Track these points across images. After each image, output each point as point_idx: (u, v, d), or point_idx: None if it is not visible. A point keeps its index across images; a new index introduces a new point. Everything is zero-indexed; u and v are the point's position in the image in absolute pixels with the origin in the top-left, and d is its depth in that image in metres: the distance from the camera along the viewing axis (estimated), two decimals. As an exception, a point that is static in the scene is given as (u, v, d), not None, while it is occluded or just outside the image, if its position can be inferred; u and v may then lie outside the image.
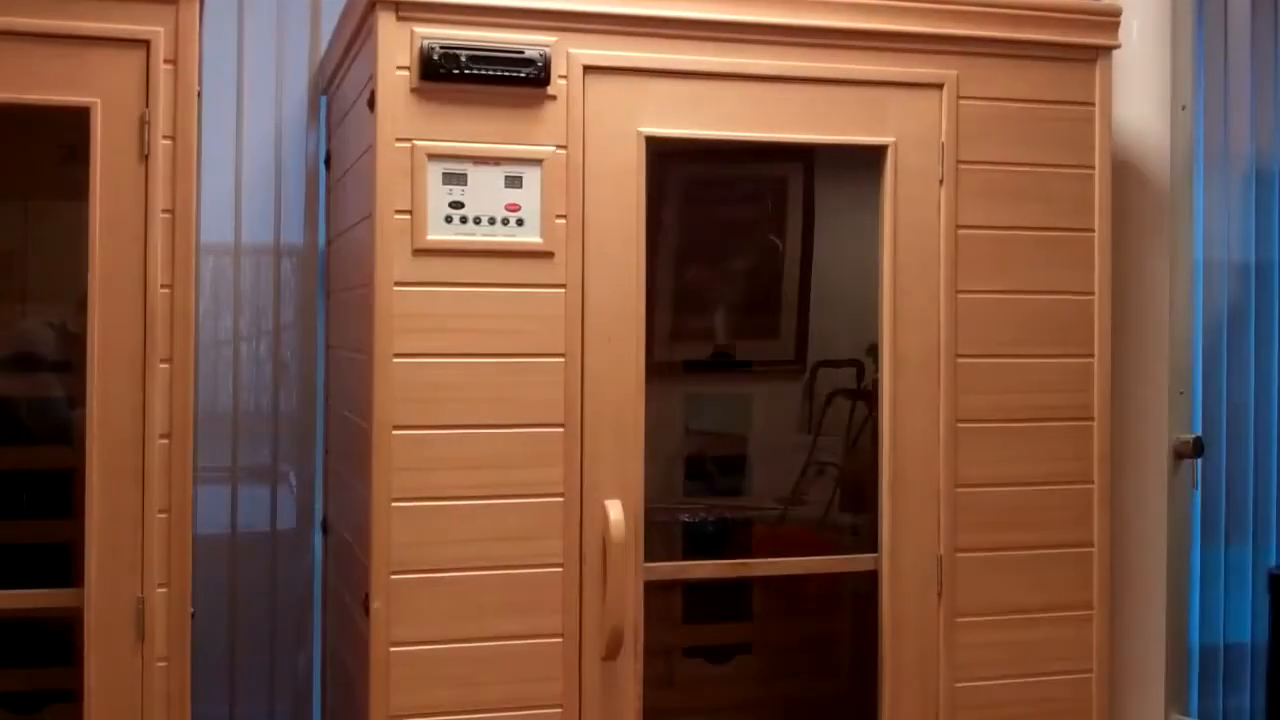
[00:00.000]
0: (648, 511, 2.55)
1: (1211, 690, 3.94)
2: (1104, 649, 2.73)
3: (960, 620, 2.65)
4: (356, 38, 2.64)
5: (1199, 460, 3.04)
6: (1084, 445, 2.72)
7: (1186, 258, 3.06)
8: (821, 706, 3.03)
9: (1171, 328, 2.95)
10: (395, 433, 2.37)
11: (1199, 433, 3.02)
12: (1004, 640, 2.68)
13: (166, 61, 2.35)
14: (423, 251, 2.38)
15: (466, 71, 2.38)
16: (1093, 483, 2.72)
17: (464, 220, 2.41)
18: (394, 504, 2.37)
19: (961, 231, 2.64)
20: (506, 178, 2.43)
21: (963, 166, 2.64)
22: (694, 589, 2.99)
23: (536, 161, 2.44)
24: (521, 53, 2.41)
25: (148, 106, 2.34)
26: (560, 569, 2.45)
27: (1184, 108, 3.00)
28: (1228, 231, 3.95)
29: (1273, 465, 3.99)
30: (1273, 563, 3.92)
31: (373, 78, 2.41)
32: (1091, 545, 2.72)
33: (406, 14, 2.38)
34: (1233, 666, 3.97)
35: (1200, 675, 3.90)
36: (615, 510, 2.46)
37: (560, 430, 2.45)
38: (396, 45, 2.38)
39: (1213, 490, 3.91)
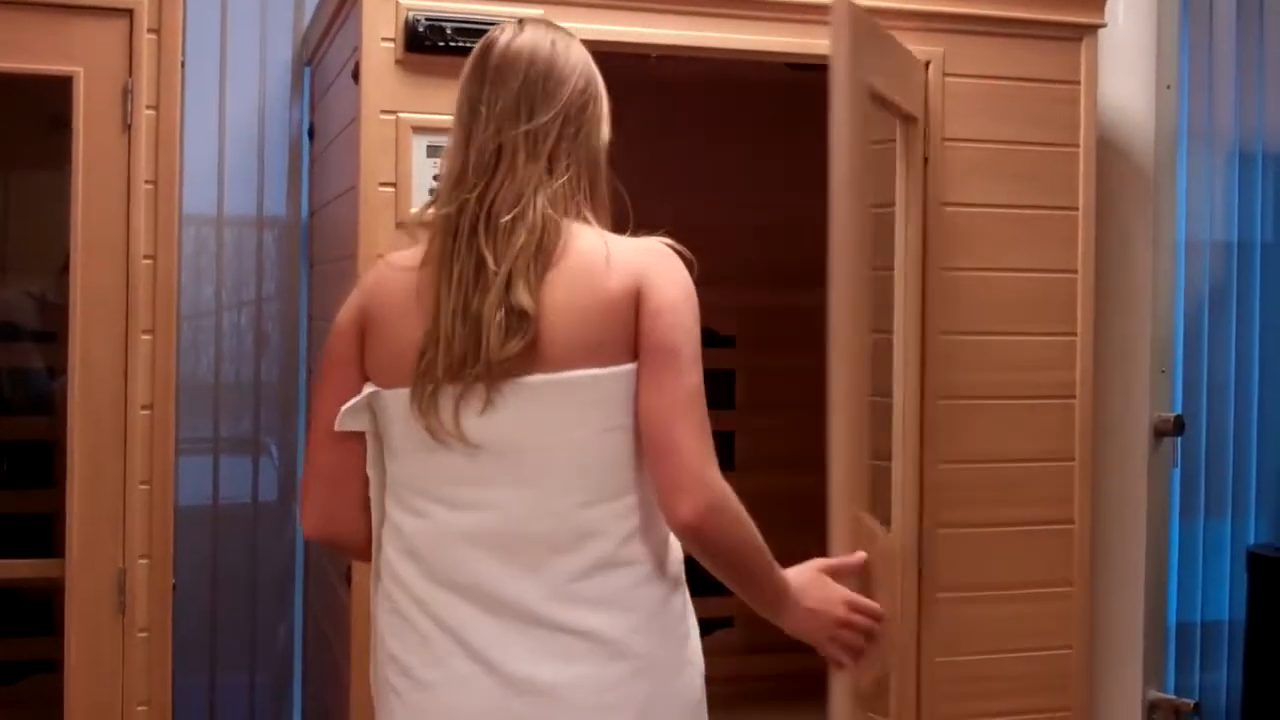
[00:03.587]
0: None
1: (1189, 666, 3.97)
2: (1083, 625, 2.75)
3: (941, 595, 2.66)
4: (341, 9, 2.62)
5: (1179, 438, 3.06)
6: (1066, 423, 2.73)
7: (1169, 237, 3.07)
8: (804, 678, 3.05)
9: (1154, 307, 2.96)
10: (378, 405, 2.36)
11: (1180, 411, 3.03)
12: (984, 616, 2.69)
13: (150, 31, 2.33)
14: (406, 225, 2.38)
15: (452, 44, 2.37)
16: (1074, 460, 2.74)
17: (448, 193, 2.39)
18: (377, 477, 2.37)
19: (945, 209, 2.64)
20: (491, 151, 2.41)
21: (947, 144, 2.64)
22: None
23: (521, 135, 2.42)
24: (507, 25, 2.40)
25: (131, 76, 2.33)
26: (543, 543, 2.45)
27: (1169, 87, 3.00)
28: (1210, 211, 3.96)
29: (1252, 444, 4.02)
30: (1251, 540, 3.95)
31: (357, 49, 2.39)
32: (1072, 522, 2.74)
33: (391, -15, 2.37)
34: (1210, 643, 4.00)
35: (1178, 651, 3.93)
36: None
37: (543, 404, 2.44)
38: (381, 17, 2.37)
39: (1193, 468, 3.93)
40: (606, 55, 2.47)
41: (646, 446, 1.69)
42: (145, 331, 2.34)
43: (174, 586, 2.40)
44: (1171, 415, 2.99)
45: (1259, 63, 3.98)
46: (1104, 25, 2.75)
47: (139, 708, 2.36)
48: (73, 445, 2.32)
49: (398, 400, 1.71)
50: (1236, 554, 3.93)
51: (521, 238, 1.68)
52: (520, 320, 1.66)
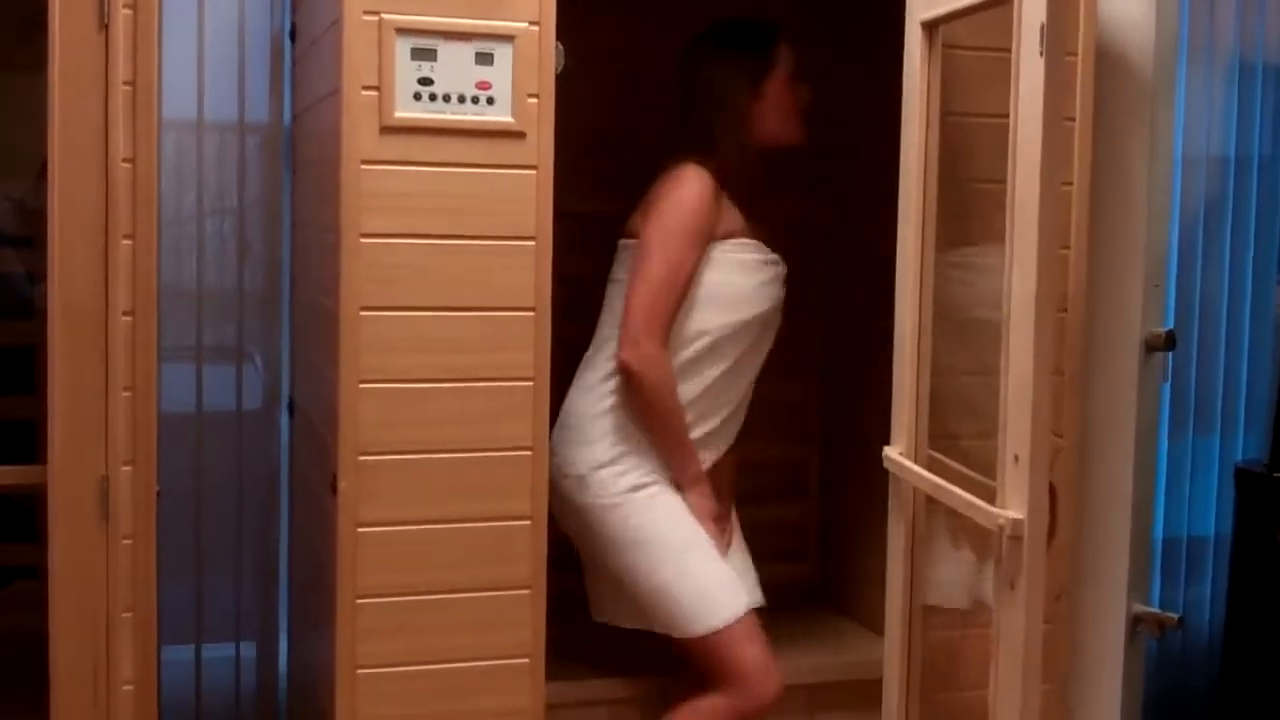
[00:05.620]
0: (617, 397, 2.57)
1: (1174, 581, 4.00)
2: (1070, 536, 2.75)
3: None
4: (324, -95, 2.56)
5: (1170, 353, 3.04)
6: (1057, 336, 2.71)
7: (1166, 151, 3.03)
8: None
9: (1149, 221, 2.93)
10: (363, 314, 2.35)
11: (1172, 326, 3.02)
12: (973, 526, 2.68)
13: (126, -73, 2.27)
14: (390, 129, 2.34)
15: (436, -57, 2.31)
16: (1064, 374, 2.72)
17: (433, 98, 2.35)
18: (362, 385, 2.36)
19: (946, 119, 2.59)
20: (477, 54, 2.37)
21: (946, 51, 2.59)
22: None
23: (508, 38, 2.38)
24: (494, -76, 2.34)
25: (107, -27, 2.27)
26: (530, 452, 2.44)
27: (1170, -3, 2.95)
28: (1208, 125, 3.91)
29: (1243, 360, 4.01)
30: (1239, 457, 3.95)
31: (340, -53, 2.34)
32: (1061, 435, 2.73)
33: (375, -119, 2.30)
34: (1196, 558, 4.02)
35: (1163, 566, 3.95)
36: (585, 395, 2.52)
37: (531, 314, 2.43)
38: (364, -86, 2.30)
39: (1183, 384, 3.92)
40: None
41: None
42: (126, 236, 2.31)
43: (158, 493, 2.39)
44: (1163, 330, 2.97)
45: (1261, -27, 3.91)
46: (1105, -69, 2.69)
47: (124, 614, 2.36)
48: (53, 351, 2.29)
49: None
50: (1225, 470, 3.94)
51: None
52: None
